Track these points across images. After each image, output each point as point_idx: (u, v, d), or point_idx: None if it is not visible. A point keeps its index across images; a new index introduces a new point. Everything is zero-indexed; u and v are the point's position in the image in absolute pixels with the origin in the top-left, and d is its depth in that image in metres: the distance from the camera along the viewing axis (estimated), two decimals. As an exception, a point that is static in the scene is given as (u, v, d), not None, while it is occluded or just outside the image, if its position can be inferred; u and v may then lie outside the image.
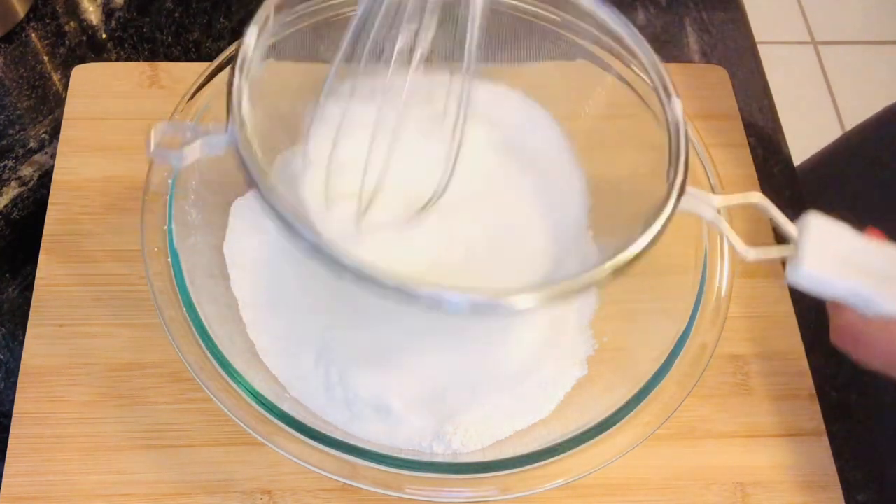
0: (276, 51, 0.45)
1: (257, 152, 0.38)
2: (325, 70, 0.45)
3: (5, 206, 0.56)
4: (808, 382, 0.54)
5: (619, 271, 0.38)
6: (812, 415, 0.53)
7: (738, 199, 0.43)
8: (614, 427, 0.42)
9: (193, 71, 0.48)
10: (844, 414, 0.54)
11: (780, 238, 0.42)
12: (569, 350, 0.50)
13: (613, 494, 0.49)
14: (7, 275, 0.54)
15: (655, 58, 0.44)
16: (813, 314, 0.56)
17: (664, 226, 0.39)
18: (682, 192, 0.40)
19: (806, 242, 0.40)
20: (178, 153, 0.38)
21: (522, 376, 0.49)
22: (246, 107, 0.39)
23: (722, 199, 0.42)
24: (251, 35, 0.41)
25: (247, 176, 0.37)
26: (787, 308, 0.56)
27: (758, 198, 0.42)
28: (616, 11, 0.45)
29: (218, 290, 0.49)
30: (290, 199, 0.38)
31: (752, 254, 0.41)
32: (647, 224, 0.39)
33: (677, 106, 0.43)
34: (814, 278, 0.40)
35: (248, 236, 0.51)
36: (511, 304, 0.36)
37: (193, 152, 0.39)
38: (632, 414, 0.42)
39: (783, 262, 0.42)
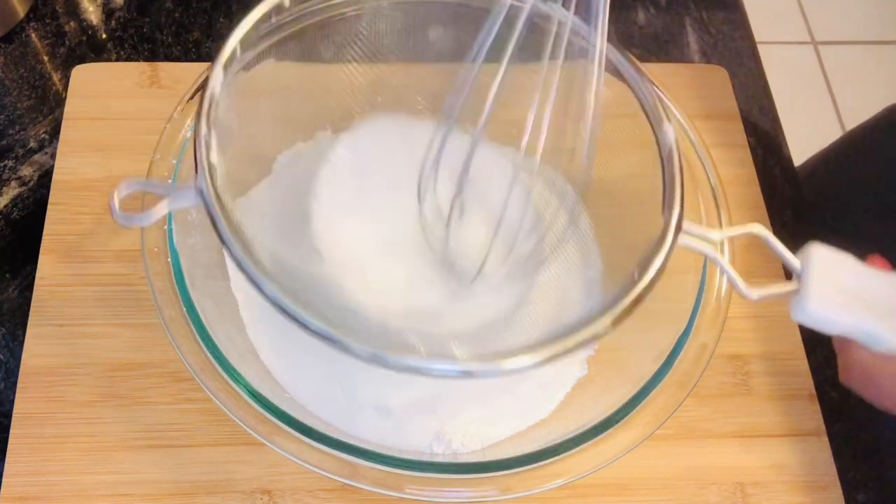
0: (275, 51, 0.45)
1: (227, 204, 0.37)
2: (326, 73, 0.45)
3: (5, 206, 0.56)
4: (808, 382, 0.54)
5: (621, 318, 0.37)
6: (812, 415, 0.53)
7: (737, 231, 0.42)
8: (614, 427, 0.42)
9: (193, 71, 0.48)
10: (844, 414, 0.54)
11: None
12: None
13: (613, 494, 0.49)
14: (7, 275, 0.54)
15: (649, 86, 0.43)
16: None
17: (662, 266, 0.38)
18: (678, 230, 0.39)
19: (810, 278, 0.39)
20: (144, 214, 0.37)
21: (522, 376, 0.49)
22: (215, 155, 0.38)
23: (721, 233, 0.41)
24: (216, 78, 0.39)
25: (216, 230, 0.36)
26: (788, 308, 0.56)
27: (759, 229, 0.41)
28: (612, 44, 0.44)
29: (218, 290, 0.49)
30: (261, 253, 0.37)
31: (755, 294, 0.40)
32: (644, 266, 0.38)
33: (670, 133, 0.41)
34: (819, 316, 0.39)
35: (247, 237, 0.51)
36: (507, 368, 0.36)
37: (161, 210, 0.37)
38: (632, 414, 0.42)
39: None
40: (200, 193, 0.37)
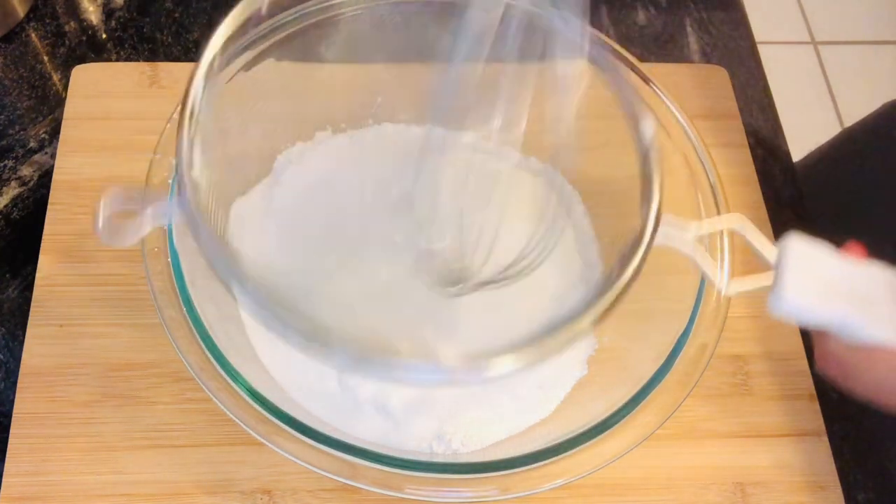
0: (275, 51, 0.45)
1: (210, 216, 0.37)
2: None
3: (5, 206, 0.56)
4: (808, 382, 0.54)
5: (602, 317, 0.37)
6: (812, 415, 0.53)
7: (716, 224, 0.42)
8: (614, 427, 0.42)
9: (193, 71, 0.48)
10: (844, 414, 0.54)
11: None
12: (569, 350, 0.50)
13: (613, 494, 0.49)
14: (7, 275, 0.54)
15: (623, 76, 0.43)
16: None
17: (640, 263, 0.38)
18: (656, 227, 0.39)
19: (786, 271, 0.39)
20: (129, 230, 0.37)
21: (521, 376, 0.48)
22: (197, 169, 0.37)
23: (700, 227, 0.41)
24: (196, 90, 0.39)
25: (200, 245, 0.36)
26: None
27: (737, 221, 0.41)
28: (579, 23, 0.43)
29: (218, 290, 0.49)
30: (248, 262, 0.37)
31: (731, 287, 0.40)
32: (624, 264, 0.38)
33: (648, 128, 0.41)
34: (795, 308, 0.39)
35: (248, 237, 0.51)
36: (487, 370, 0.36)
37: (145, 225, 0.38)
38: (632, 414, 0.42)
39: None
40: (183, 210, 0.37)
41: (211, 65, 0.40)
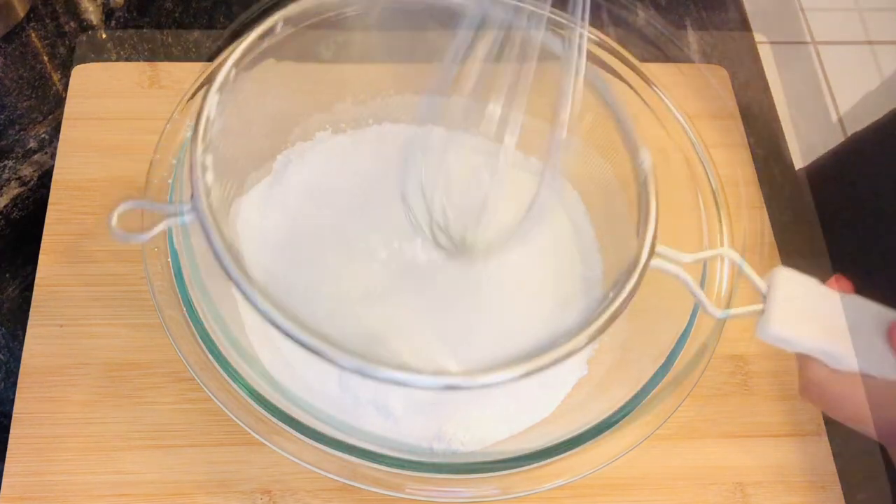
0: (275, 51, 0.45)
1: (221, 223, 0.38)
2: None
3: (5, 206, 0.56)
4: (808, 382, 0.54)
5: (595, 336, 0.38)
6: (812, 415, 0.53)
7: (709, 254, 0.43)
8: (614, 427, 0.42)
9: (193, 71, 0.48)
10: (844, 414, 0.54)
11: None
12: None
13: (613, 494, 0.49)
14: (7, 275, 0.54)
15: (624, 111, 0.44)
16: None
17: (635, 287, 0.40)
18: (652, 253, 0.40)
19: (774, 301, 0.41)
20: (142, 233, 0.39)
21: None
22: (210, 176, 0.39)
23: (693, 256, 0.42)
24: (211, 101, 0.40)
25: (212, 248, 0.38)
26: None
27: (728, 252, 0.43)
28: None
29: (218, 290, 0.49)
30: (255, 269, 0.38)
31: (721, 313, 0.42)
32: (619, 287, 0.40)
33: (646, 158, 0.43)
34: (781, 336, 0.41)
35: (249, 236, 0.51)
36: (483, 382, 0.37)
37: (158, 230, 0.39)
38: (632, 414, 0.42)
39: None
40: (197, 214, 0.38)
41: (227, 76, 0.41)
